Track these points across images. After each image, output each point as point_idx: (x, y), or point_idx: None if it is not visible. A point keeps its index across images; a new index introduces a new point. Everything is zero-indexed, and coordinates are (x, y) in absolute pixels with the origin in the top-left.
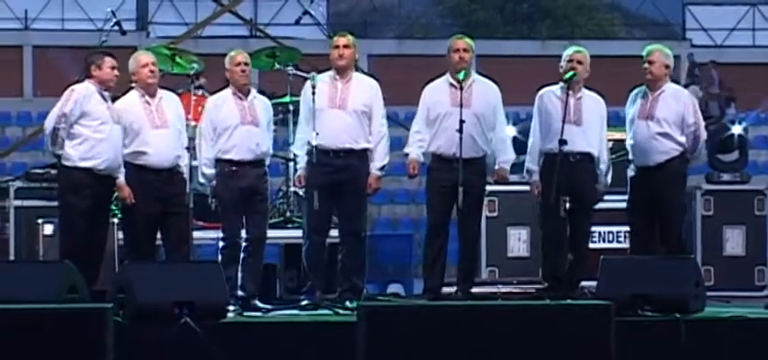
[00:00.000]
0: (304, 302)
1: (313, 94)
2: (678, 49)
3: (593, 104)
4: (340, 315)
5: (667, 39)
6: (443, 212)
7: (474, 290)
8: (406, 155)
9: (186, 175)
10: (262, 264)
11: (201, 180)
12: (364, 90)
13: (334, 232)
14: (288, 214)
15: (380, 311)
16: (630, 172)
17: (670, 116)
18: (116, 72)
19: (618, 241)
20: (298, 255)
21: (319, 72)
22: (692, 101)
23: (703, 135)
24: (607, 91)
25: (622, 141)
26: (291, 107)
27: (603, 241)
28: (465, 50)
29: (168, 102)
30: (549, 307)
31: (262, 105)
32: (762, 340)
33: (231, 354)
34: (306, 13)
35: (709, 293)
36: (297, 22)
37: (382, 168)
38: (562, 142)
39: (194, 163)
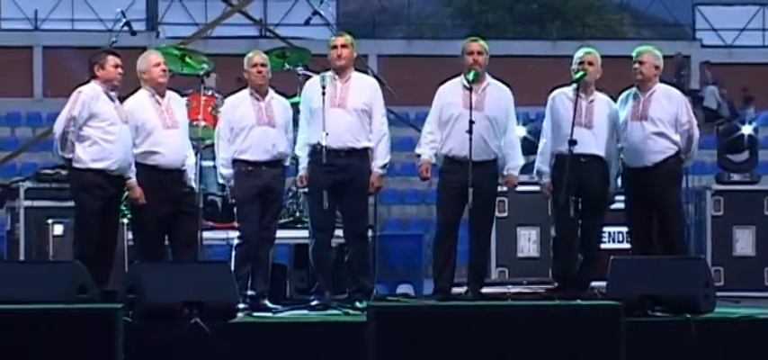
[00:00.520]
0: (314, 303)
1: (323, 94)
2: (688, 50)
3: (604, 107)
4: (350, 315)
5: (677, 39)
6: (454, 213)
7: (484, 290)
8: (418, 156)
9: (192, 176)
10: (269, 263)
11: (220, 180)
12: (364, 89)
13: (339, 232)
14: (298, 214)
15: (390, 312)
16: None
17: (664, 116)
18: (120, 70)
19: (627, 242)
20: (308, 255)
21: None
22: (684, 100)
23: (696, 134)
24: (616, 91)
25: None
26: (302, 108)
27: (613, 242)
28: (479, 53)
29: (175, 102)
30: (558, 307)
31: (280, 106)
32: None
33: (241, 354)
34: (315, 13)
35: (718, 294)
36: (306, 23)
37: (384, 167)
38: (572, 142)
39: (206, 163)
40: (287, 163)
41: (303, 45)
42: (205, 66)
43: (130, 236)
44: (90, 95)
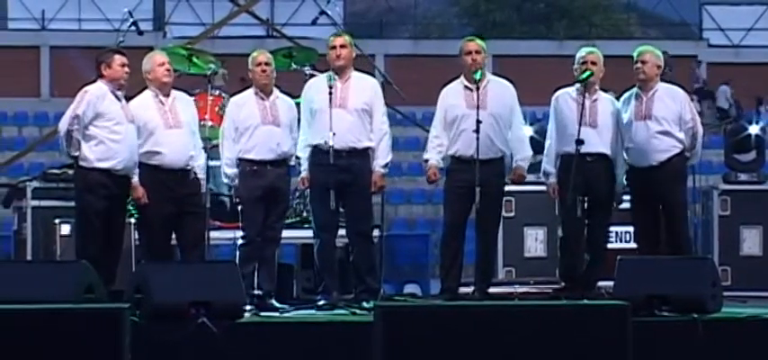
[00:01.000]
0: (321, 302)
1: (330, 93)
2: (695, 50)
3: (607, 106)
4: (357, 315)
5: (684, 39)
6: (461, 213)
7: (491, 290)
8: (426, 161)
9: (201, 176)
10: (275, 263)
11: (224, 180)
12: (364, 89)
13: (343, 232)
14: (305, 214)
15: (397, 312)
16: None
17: (668, 114)
18: (126, 69)
19: (635, 241)
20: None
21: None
22: (687, 98)
23: (700, 131)
24: (623, 91)
25: None
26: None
27: (620, 241)
28: (477, 52)
29: (182, 102)
30: (565, 307)
31: (285, 105)
32: None
33: (248, 354)
34: (322, 13)
35: (726, 294)
36: (313, 23)
37: (385, 166)
38: (579, 142)
39: (212, 163)
40: (292, 162)
41: (310, 45)
42: (212, 66)
43: (137, 236)
44: (96, 95)
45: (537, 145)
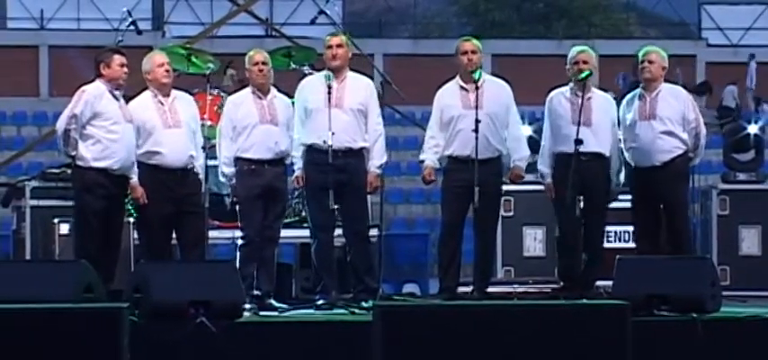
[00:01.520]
0: (319, 302)
1: (329, 93)
2: (694, 49)
3: (602, 104)
4: (356, 315)
5: (683, 38)
6: (459, 212)
7: (490, 289)
8: (422, 162)
9: (201, 175)
10: (275, 263)
11: (221, 179)
12: (360, 89)
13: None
14: (303, 214)
15: (396, 311)
16: (624, 175)
17: (673, 114)
18: (125, 69)
19: (634, 241)
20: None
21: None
22: (690, 98)
23: (703, 132)
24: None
25: None
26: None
27: (619, 241)
28: (473, 52)
29: (182, 102)
30: (565, 307)
31: (282, 104)
32: None
33: (247, 353)
34: (321, 12)
35: (725, 293)
36: (312, 22)
37: (380, 166)
38: (578, 142)
39: (210, 163)
40: (288, 161)
41: (309, 44)
42: (211, 65)
43: (136, 235)
44: (93, 94)
45: (535, 144)
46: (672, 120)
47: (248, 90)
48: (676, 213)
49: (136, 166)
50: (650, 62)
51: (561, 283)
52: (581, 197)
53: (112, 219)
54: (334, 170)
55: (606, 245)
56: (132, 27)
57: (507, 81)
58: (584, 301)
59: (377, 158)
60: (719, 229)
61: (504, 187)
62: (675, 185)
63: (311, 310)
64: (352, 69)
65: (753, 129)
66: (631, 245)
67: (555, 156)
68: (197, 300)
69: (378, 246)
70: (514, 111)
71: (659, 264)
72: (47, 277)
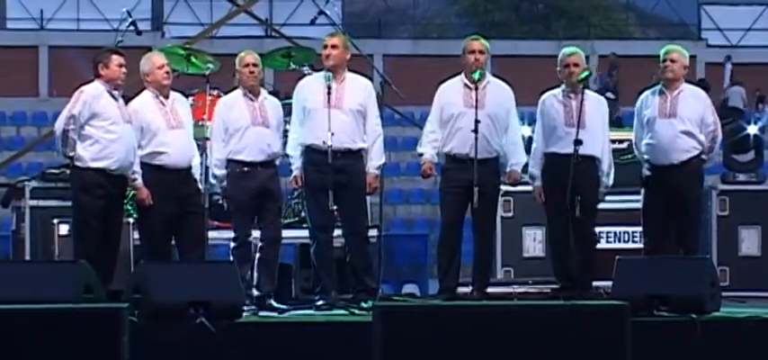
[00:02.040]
0: (319, 302)
1: (329, 93)
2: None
3: (594, 105)
4: (355, 315)
5: (682, 39)
6: (457, 212)
7: (489, 290)
8: (421, 155)
9: (199, 176)
10: (277, 263)
11: (212, 180)
12: (358, 89)
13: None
14: (303, 214)
15: (396, 312)
16: (646, 171)
17: (693, 115)
18: (124, 69)
19: (633, 241)
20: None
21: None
22: (709, 101)
23: (720, 136)
24: (621, 90)
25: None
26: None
27: (618, 241)
28: (480, 52)
29: (180, 103)
30: (564, 307)
31: (272, 106)
32: None
33: (246, 354)
34: (321, 13)
35: (724, 294)
36: (312, 23)
37: (379, 167)
38: (578, 142)
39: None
40: (278, 162)
41: (308, 45)
42: (210, 66)
43: (137, 235)
44: (92, 95)
45: None
46: (691, 120)
47: (239, 92)
48: (690, 214)
49: (137, 167)
50: (672, 61)
51: (560, 284)
52: (579, 197)
53: (111, 219)
54: (334, 171)
55: (606, 245)
56: (132, 27)
57: (507, 82)
58: (584, 301)
59: (375, 159)
60: (719, 230)
61: (504, 188)
62: (692, 185)
63: (311, 311)
64: (351, 70)
65: (752, 129)
66: (631, 245)
67: (546, 157)
68: (197, 300)
69: (377, 246)
70: (515, 114)
71: (659, 264)
72: (46, 278)
